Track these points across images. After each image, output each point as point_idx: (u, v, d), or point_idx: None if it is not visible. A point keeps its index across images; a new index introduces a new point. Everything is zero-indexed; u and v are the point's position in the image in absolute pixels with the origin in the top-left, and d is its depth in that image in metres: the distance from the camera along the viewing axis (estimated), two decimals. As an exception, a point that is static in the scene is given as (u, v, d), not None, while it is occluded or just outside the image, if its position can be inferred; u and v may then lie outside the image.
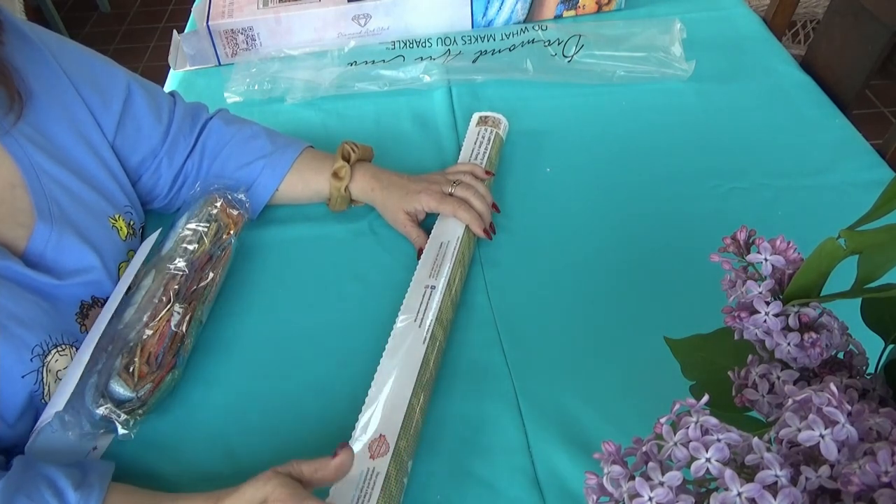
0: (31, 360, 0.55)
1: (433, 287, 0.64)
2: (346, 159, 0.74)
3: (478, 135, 0.82)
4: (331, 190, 0.74)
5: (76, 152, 0.64)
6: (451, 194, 0.72)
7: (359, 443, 0.54)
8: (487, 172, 0.76)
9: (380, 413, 0.55)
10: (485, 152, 0.79)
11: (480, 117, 0.85)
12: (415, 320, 0.61)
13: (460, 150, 0.81)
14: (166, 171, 0.73)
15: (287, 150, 0.75)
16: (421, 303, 0.63)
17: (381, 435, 0.54)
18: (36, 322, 0.56)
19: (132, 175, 0.71)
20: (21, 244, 0.58)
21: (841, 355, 0.37)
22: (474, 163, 0.77)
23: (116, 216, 0.67)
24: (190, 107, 0.77)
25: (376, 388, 0.57)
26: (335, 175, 0.73)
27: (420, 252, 0.70)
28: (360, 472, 0.52)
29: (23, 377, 0.54)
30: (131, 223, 0.69)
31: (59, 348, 0.58)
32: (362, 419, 0.55)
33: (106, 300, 0.63)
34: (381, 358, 0.59)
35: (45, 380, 0.56)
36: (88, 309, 0.62)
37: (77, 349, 0.59)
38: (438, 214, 0.72)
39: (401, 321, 0.61)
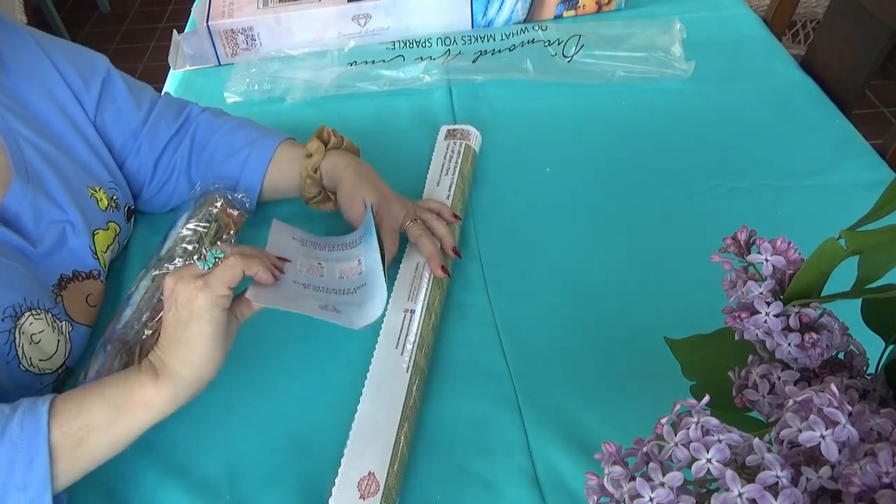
0: (1, 319, 0.55)
1: (412, 311, 0.63)
2: (325, 143, 0.72)
3: (447, 149, 0.80)
4: (301, 171, 0.71)
5: (56, 125, 0.66)
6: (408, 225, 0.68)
7: (347, 479, 0.52)
8: (455, 216, 0.71)
9: (367, 448, 0.53)
10: (455, 167, 0.77)
11: (448, 131, 0.83)
12: (396, 347, 0.60)
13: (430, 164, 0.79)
14: (147, 154, 0.73)
15: (271, 136, 0.75)
16: (401, 328, 0.61)
17: (369, 472, 0.52)
18: (9, 282, 0.56)
19: (117, 158, 0.73)
20: None
21: (841, 356, 0.37)
22: (444, 203, 0.72)
23: (97, 188, 0.68)
24: (177, 100, 0.78)
25: (360, 422, 0.55)
26: (307, 155, 0.71)
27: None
28: None
29: None
30: (114, 197, 0.70)
31: (34, 312, 0.57)
32: (347, 452, 0.53)
33: (88, 273, 0.64)
34: (364, 388, 0.58)
35: (17, 341, 0.56)
36: (67, 282, 0.63)
37: (53, 316, 0.59)
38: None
39: (380, 349, 0.60)
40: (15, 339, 0.56)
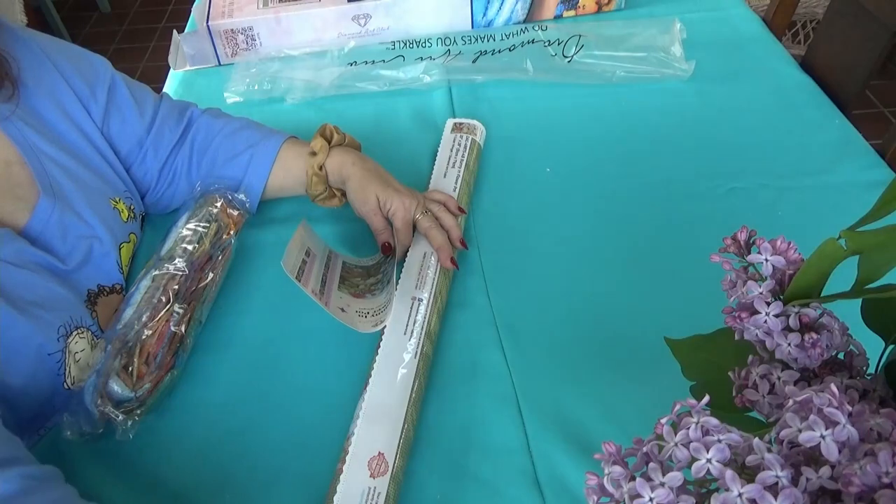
0: (57, 339, 0.56)
1: (420, 299, 0.63)
2: (328, 140, 0.73)
3: (453, 142, 0.80)
4: (306, 169, 0.72)
5: (70, 136, 0.66)
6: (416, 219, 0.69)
7: (357, 458, 0.52)
8: (460, 209, 0.72)
9: (376, 428, 0.54)
10: (462, 160, 0.78)
11: (455, 124, 0.83)
12: (404, 333, 0.60)
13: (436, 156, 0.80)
14: (152, 161, 0.73)
15: (273, 137, 0.75)
16: (409, 315, 0.62)
17: (379, 452, 0.53)
18: (54, 304, 0.57)
19: (123, 165, 0.72)
20: (21, 218, 0.59)
21: (841, 356, 0.37)
22: (450, 195, 0.73)
23: (117, 199, 0.68)
24: (177, 103, 0.77)
25: (370, 403, 0.56)
26: (312, 153, 0.72)
27: (385, 246, 0.69)
28: (361, 492, 0.50)
29: (49, 355, 0.55)
30: (131, 207, 0.70)
31: (79, 331, 0.59)
32: (358, 432, 0.54)
33: (112, 288, 0.65)
34: (372, 372, 0.58)
35: (66, 360, 0.56)
36: (96, 297, 0.63)
37: (92, 334, 0.60)
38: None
39: (389, 335, 0.60)
40: (65, 358, 0.56)
